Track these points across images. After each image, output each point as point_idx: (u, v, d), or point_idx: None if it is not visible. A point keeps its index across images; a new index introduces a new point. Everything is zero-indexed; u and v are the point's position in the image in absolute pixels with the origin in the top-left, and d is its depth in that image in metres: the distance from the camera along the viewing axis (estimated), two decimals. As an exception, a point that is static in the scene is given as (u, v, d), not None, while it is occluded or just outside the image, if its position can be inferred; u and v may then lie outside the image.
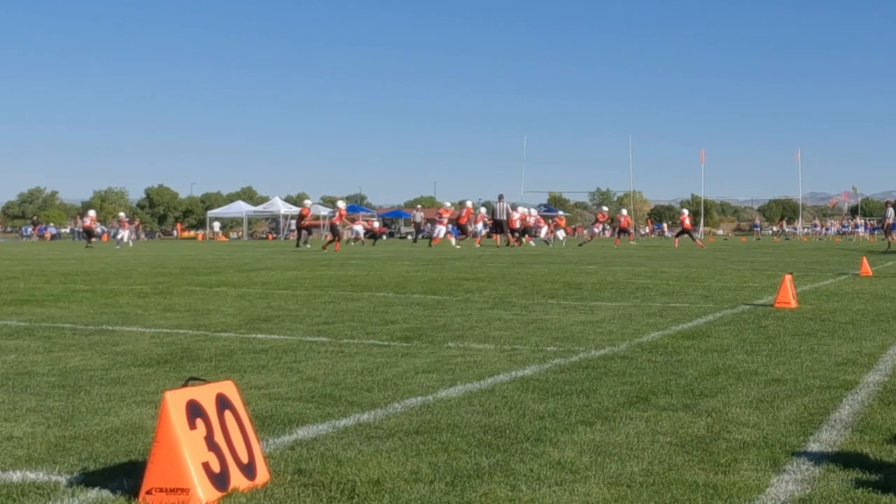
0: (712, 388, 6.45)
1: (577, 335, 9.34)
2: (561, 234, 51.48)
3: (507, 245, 44.16)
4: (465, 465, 4.44)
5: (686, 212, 55.79)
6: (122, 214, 67.45)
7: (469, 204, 48.26)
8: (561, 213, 46.27)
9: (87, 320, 10.75)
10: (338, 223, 43.98)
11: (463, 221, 45.97)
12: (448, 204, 51.98)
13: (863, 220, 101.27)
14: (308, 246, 44.06)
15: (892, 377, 6.92)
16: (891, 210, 37.43)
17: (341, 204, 48.07)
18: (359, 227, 52.77)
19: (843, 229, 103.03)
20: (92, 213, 58.98)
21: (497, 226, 45.37)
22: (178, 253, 38.91)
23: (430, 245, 44.75)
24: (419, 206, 67.31)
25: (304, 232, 45.77)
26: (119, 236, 58.40)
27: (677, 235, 54.81)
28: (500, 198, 46.39)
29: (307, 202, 49.10)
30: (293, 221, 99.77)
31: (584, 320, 10.73)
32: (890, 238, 39.17)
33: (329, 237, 45.23)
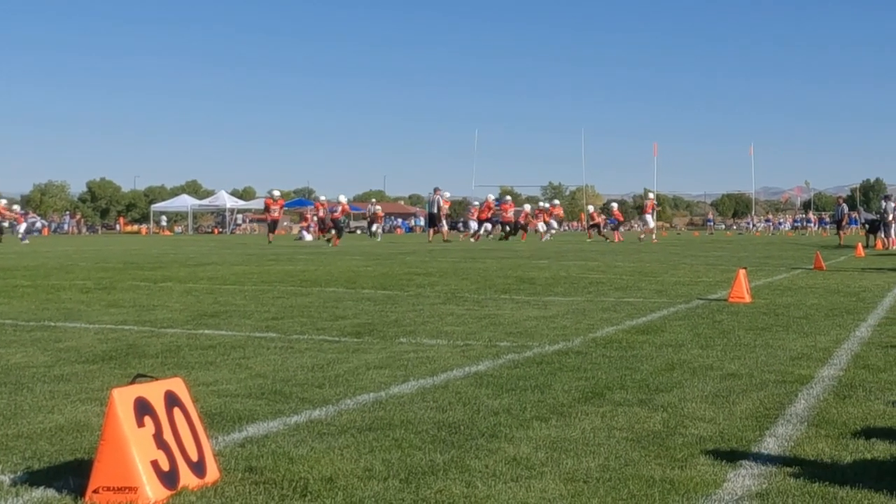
0: (667, 383, 6.50)
1: (530, 330, 9.37)
2: (555, 224, 48.80)
3: (436, 239, 42.80)
4: (419, 462, 4.44)
5: (615, 205, 55.19)
6: (16, 207, 63.72)
7: (491, 198, 47.20)
8: (556, 201, 42.71)
9: (28, 316, 10.64)
10: (340, 217, 45.07)
11: (484, 216, 44.57)
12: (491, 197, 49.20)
13: (816, 215, 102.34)
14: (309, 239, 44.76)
15: (847, 371, 7.02)
16: (844, 206, 37.71)
17: (343, 198, 48.85)
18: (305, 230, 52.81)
19: (797, 224, 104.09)
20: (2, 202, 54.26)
21: (431, 219, 43.97)
22: (121, 247, 38.60)
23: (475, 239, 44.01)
24: (374, 200, 66.52)
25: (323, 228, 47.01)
26: (17, 230, 55.46)
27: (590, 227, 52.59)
28: (436, 191, 44.89)
29: (342, 197, 49.50)
30: (239, 216, 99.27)
31: (537, 315, 10.77)
32: (842, 234, 39.54)
33: (322, 230, 45.79)
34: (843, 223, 37.58)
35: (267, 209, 48.14)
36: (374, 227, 54.90)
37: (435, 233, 44.45)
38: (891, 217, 37.28)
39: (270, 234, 46.24)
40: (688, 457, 4.56)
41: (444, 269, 19.76)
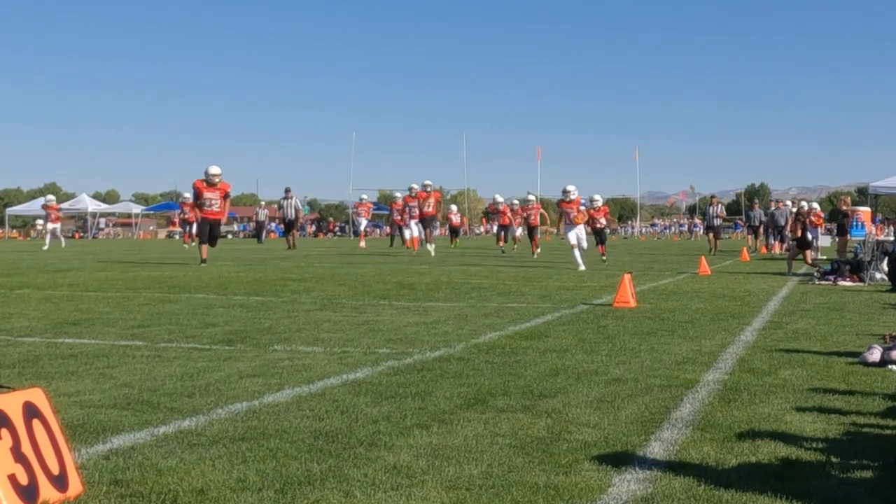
0: (552, 388, 6.59)
1: (410, 337, 9.40)
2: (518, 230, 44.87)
3: (291, 247, 39.72)
4: (295, 472, 4.43)
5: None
6: None
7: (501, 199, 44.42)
8: (533, 198, 37.50)
9: None
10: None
11: (505, 222, 41.67)
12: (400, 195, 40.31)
13: (701, 220, 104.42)
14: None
15: (732, 375, 7.20)
16: (719, 207, 36.46)
17: (365, 197, 49.62)
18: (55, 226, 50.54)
19: (681, 228, 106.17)
20: None
21: (287, 226, 41.64)
22: (-27, 253, 37.58)
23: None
24: (262, 204, 65.29)
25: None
26: None
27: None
28: (287, 191, 41.71)
29: (364, 197, 49.39)
30: (102, 220, 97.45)
31: (417, 321, 10.80)
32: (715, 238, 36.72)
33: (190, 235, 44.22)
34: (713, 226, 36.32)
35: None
36: (263, 234, 54.21)
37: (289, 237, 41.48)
38: (760, 224, 38.87)
39: (186, 235, 44.62)
40: (572, 462, 4.63)
41: (321, 275, 19.69)
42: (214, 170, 23.84)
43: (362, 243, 43.01)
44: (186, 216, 44.10)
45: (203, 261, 23.79)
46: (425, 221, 32.74)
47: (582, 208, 25.36)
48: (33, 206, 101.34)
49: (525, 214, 36.74)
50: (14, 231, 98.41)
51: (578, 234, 23.89)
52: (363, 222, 47.47)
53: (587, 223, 27.79)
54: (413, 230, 33.21)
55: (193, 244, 38.31)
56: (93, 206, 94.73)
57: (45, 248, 41.27)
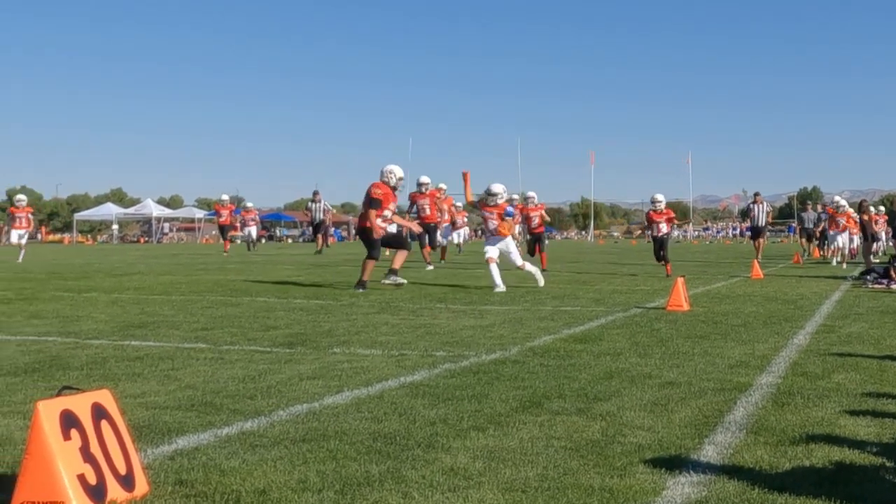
0: (606, 391, 6.56)
1: (466, 340, 9.40)
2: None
3: (319, 250, 38.21)
4: (354, 473, 4.44)
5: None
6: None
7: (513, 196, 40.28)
8: (534, 196, 31.45)
9: (-54, 328, 10.47)
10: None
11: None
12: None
13: (745, 221, 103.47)
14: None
15: (785, 379, 7.13)
16: (765, 206, 33.11)
17: (250, 204, 47.32)
18: (251, 229, 49.27)
19: (734, 232, 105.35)
20: None
21: (315, 229, 39.10)
22: (43, 257, 38.06)
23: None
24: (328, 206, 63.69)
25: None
26: None
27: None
28: (315, 194, 39.27)
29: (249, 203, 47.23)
30: (166, 224, 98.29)
31: (473, 325, 10.80)
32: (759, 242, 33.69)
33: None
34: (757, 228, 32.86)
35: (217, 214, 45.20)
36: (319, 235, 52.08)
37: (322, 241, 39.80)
38: (814, 227, 36.67)
39: (226, 242, 42.84)
40: (627, 465, 4.61)
41: (378, 278, 19.74)
42: (425, 178, 24.75)
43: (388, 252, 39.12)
44: (223, 219, 43.14)
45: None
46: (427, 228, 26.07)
47: (508, 218, 18.78)
48: (100, 212, 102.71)
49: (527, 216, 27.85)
50: (81, 235, 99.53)
51: (503, 249, 18.29)
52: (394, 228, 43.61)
53: (524, 222, 24.87)
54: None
55: (226, 254, 37.47)
56: (157, 211, 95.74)
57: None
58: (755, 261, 22.75)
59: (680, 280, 12.97)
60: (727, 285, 18.31)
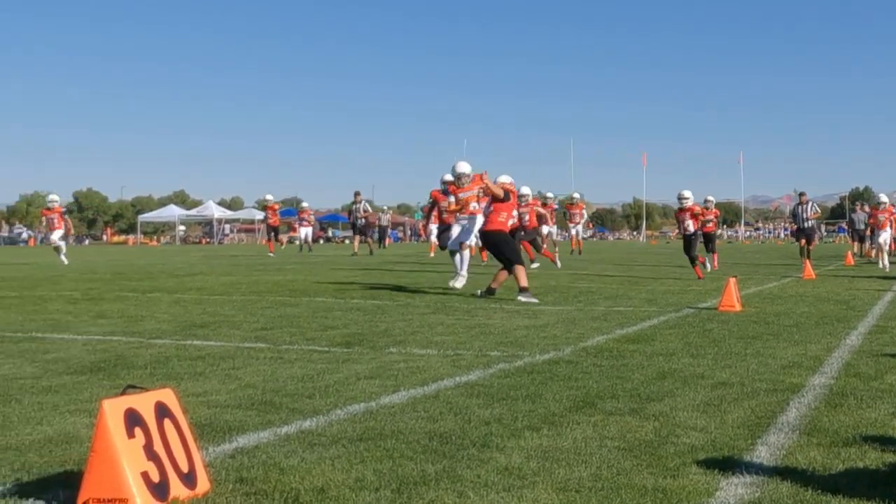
0: (659, 392, 6.51)
1: (521, 340, 9.38)
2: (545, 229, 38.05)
3: (370, 253, 37.64)
4: (410, 472, 4.44)
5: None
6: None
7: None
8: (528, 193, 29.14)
9: (15, 327, 10.61)
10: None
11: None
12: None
13: (791, 221, 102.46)
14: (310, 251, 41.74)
15: (838, 380, 7.03)
16: (810, 206, 30.56)
17: (305, 204, 46.08)
18: (307, 230, 48.93)
19: (786, 232, 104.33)
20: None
21: (357, 230, 38.06)
22: (108, 258, 38.51)
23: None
24: (385, 209, 63.02)
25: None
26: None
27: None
28: (357, 195, 38.10)
29: (304, 204, 45.68)
30: (227, 225, 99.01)
31: (527, 325, 10.78)
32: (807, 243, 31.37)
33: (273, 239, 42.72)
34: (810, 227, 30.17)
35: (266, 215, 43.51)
36: (385, 239, 49.98)
37: (361, 242, 39.09)
38: (865, 227, 35.27)
39: (270, 243, 40.92)
40: (680, 466, 4.56)
41: (433, 279, 19.75)
42: (449, 177, 21.01)
43: (432, 253, 35.75)
44: (269, 220, 41.62)
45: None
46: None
47: (451, 200, 17.73)
48: (163, 213, 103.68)
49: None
50: (144, 237, 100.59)
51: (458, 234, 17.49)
52: (433, 229, 40.10)
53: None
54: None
55: (272, 255, 36.70)
56: (218, 212, 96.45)
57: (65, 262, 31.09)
58: (807, 261, 22.46)
59: (732, 281, 12.85)
60: (779, 286, 18.13)
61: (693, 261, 21.36)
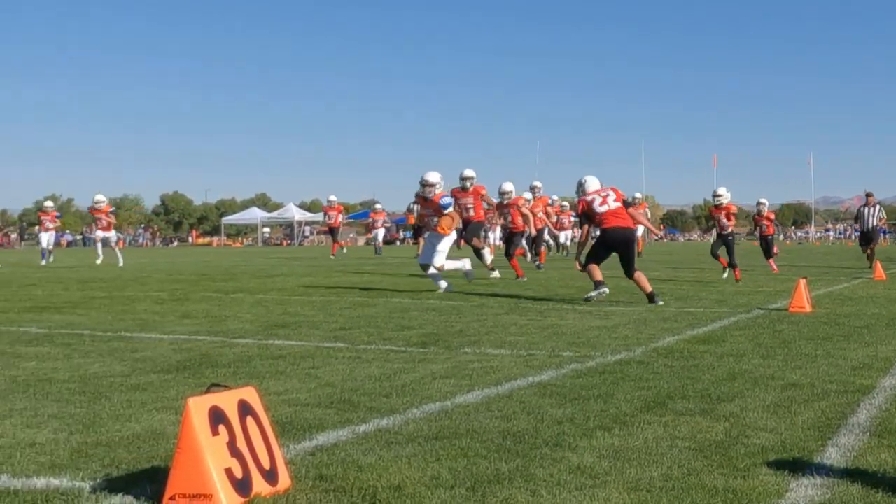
0: (729, 392, 6.44)
1: (592, 340, 9.33)
2: (563, 236, 34.98)
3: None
4: (484, 471, 4.44)
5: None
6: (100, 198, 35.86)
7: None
8: (510, 189, 26.50)
9: (105, 327, 10.79)
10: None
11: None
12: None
13: (854, 224, 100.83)
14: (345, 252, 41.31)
15: (909, 381, 6.91)
16: (877, 208, 27.98)
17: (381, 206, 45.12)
18: (379, 232, 48.73)
19: (856, 234, 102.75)
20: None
21: (417, 231, 36.16)
22: (193, 259, 39.01)
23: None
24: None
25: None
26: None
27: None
28: (417, 197, 33.03)
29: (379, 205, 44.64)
30: (307, 227, 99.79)
31: (599, 325, 10.72)
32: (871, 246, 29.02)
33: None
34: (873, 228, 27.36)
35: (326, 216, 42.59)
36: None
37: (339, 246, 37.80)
38: None
39: (334, 244, 40.48)
40: (750, 466, 4.51)
41: (507, 280, 19.72)
42: (469, 172, 20.66)
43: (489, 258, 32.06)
44: (332, 221, 40.60)
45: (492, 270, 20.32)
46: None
47: (448, 210, 16.19)
48: (246, 216, 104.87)
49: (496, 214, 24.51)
50: (228, 238, 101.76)
51: (437, 245, 16.16)
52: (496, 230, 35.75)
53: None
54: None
55: (333, 257, 36.30)
56: (299, 214, 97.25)
57: (99, 261, 31.08)
58: (877, 262, 22.04)
59: (802, 282, 12.68)
60: (849, 287, 17.84)
61: (718, 259, 20.54)
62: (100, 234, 31.99)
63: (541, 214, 25.47)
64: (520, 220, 22.34)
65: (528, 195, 25.55)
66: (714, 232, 21.01)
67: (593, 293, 13.93)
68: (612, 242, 13.90)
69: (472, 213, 20.60)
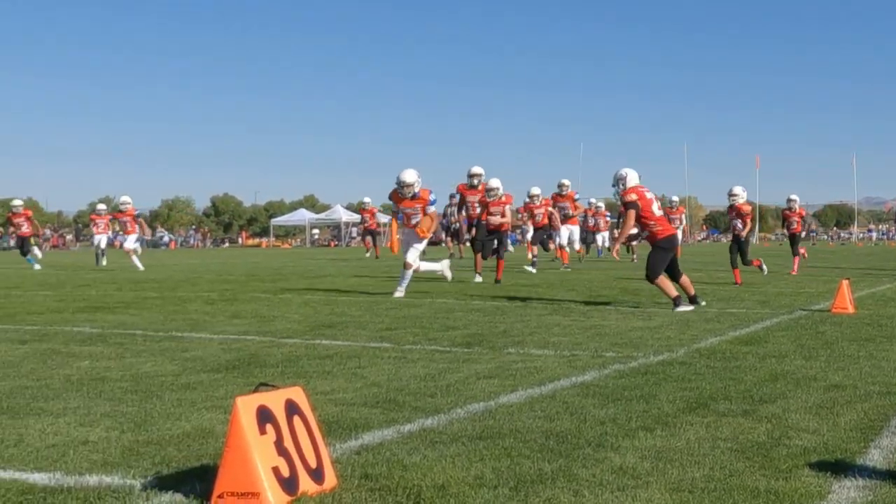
0: (771, 393, 6.38)
1: (635, 341, 9.28)
2: (600, 238, 36.08)
3: (459, 256, 33.73)
4: (528, 471, 4.43)
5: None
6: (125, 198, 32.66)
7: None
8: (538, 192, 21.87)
9: (157, 327, 10.87)
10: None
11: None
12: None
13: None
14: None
15: (953, 383, 6.81)
16: None
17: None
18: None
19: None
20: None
21: (453, 233, 34.70)
22: (243, 260, 39.25)
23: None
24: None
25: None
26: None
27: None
28: (452, 198, 33.36)
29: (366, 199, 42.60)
30: (354, 228, 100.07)
31: (641, 326, 10.67)
32: None
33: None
34: None
35: (362, 219, 42.51)
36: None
37: (455, 245, 35.70)
38: None
39: (367, 244, 40.49)
40: (792, 468, 4.47)
41: (551, 281, 19.69)
42: (476, 169, 20.60)
43: (530, 254, 27.27)
44: (367, 224, 40.60)
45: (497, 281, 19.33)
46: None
47: (432, 208, 15.61)
48: (294, 217, 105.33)
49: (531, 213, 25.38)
50: (276, 240, 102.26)
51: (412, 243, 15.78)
52: (530, 230, 35.37)
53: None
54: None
55: (368, 254, 35.73)
56: (346, 216, 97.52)
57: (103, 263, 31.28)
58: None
59: (845, 283, 12.54)
60: (892, 287, 17.63)
61: (734, 263, 19.49)
62: (128, 238, 30.41)
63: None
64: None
65: (536, 190, 25.26)
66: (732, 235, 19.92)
67: (688, 308, 12.97)
68: (672, 248, 13.69)
69: (478, 210, 20.48)
